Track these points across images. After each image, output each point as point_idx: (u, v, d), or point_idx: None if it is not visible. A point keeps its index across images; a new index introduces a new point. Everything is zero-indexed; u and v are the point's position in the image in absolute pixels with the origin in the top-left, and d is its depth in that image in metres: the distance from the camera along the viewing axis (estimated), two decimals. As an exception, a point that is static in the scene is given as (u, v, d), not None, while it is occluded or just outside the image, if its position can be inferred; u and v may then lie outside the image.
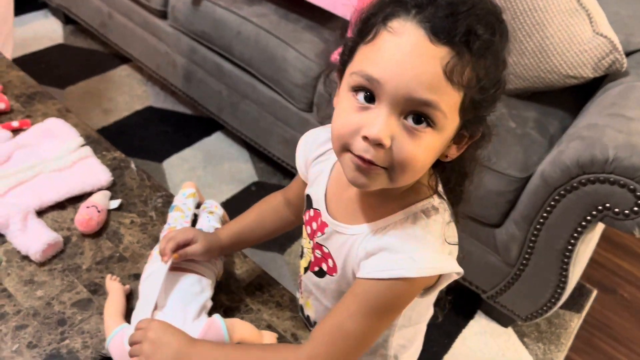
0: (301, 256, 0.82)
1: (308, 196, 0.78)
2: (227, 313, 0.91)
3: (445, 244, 0.65)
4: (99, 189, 1.07)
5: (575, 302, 1.76)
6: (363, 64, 0.58)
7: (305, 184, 0.82)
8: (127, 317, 0.86)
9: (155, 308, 0.82)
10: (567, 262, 1.35)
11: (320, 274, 0.76)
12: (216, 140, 2.16)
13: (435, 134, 0.58)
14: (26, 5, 2.61)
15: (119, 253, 0.98)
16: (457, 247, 0.68)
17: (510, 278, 1.48)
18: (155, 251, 0.89)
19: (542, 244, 1.37)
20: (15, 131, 1.16)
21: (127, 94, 2.31)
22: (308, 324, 0.88)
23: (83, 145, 1.14)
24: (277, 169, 2.06)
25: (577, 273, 1.44)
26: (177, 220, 0.98)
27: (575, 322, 1.72)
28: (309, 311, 0.85)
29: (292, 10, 1.81)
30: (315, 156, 0.78)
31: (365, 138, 0.57)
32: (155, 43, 2.13)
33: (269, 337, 0.87)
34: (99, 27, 2.37)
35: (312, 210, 0.76)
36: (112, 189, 1.09)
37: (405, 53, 0.55)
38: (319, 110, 1.65)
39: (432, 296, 0.73)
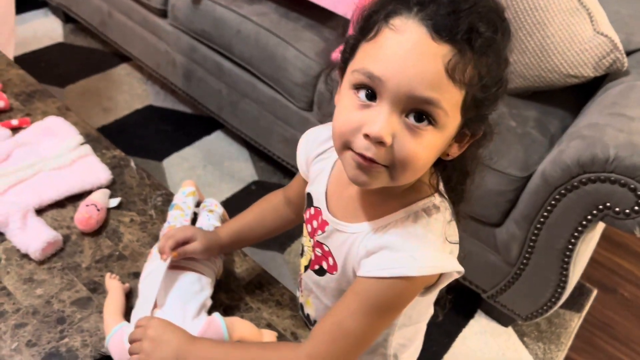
0: (301, 254, 0.82)
1: (309, 194, 0.78)
2: (226, 312, 0.90)
3: (446, 242, 0.65)
4: (99, 188, 1.07)
5: (575, 302, 1.76)
6: (365, 62, 0.58)
7: (305, 183, 0.82)
8: (127, 315, 0.86)
9: (155, 306, 0.82)
10: (567, 261, 1.35)
11: (321, 272, 0.76)
12: (216, 139, 2.16)
13: (436, 132, 0.57)
14: (26, 4, 2.60)
15: (119, 251, 0.98)
16: (458, 246, 0.68)
17: (511, 277, 1.48)
18: (155, 250, 0.89)
19: (542, 244, 1.36)
20: (15, 129, 1.16)
21: (127, 92, 2.30)
22: (308, 322, 0.87)
23: (83, 144, 1.14)
24: (277, 168, 2.06)
25: (577, 272, 1.43)
26: (176, 219, 0.98)
27: (576, 321, 1.72)
28: (309, 310, 0.85)
29: (292, 9, 1.81)
30: (316, 154, 0.78)
31: (366, 136, 0.57)
32: (155, 42, 2.12)
33: (269, 335, 0.87)
34: (99, 26, 2.37)
35: (312, 209, 0.76)
36: (112, 187, 1.09)
37: (407, 51, 0.55)
38: (320, 108, 1.65)
39: (433, 295, 0.73)
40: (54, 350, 0.82)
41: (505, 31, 0.58)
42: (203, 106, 2.10)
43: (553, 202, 1.29)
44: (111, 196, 1.06)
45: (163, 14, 2.03)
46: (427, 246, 0.63)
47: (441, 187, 0.68)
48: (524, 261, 1.42)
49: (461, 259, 0.67)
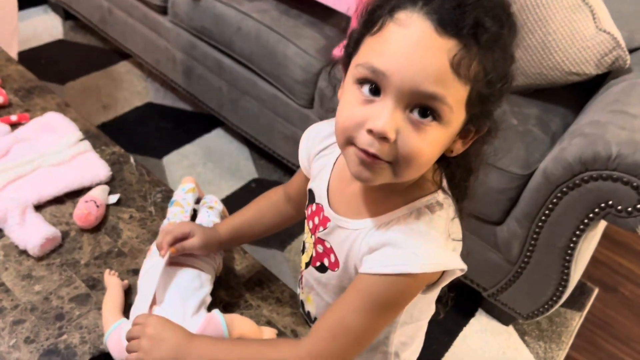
0: (303, 251, 0.81)
1: (310, 191, 0.77)
2: (226, 309, 0.90)
3: (449, 239, 0.64)
4: (98, 184, 1.06)
5: (576, 301, 1.75)
6: (368, 56, 0.57)
7: (306, 179, 0.81)
8: (126, 312, 0.85)
9: (154, 303, 0.82)
10: (569, 260, 1.34)
11: (322, 269, 0.75)
12: (216, 137, 2.15)
13: (440, 128, 0.57)
14: (26, 1, 2.60)
15: (118, 248, 0.97)
16: (461, 243, 0.67)
17: (512, 276, 1.47)
18: (154, 246, 0.88)
19: (543, 242, 1.36)
20: (14, 125, 1.15)
21: (126, 90, 2.30)
22: (308, 319, 0.87)
23: (82, 140, 1.13)
24: (278, 166, 2.05)
25: (578, 271, 1.43)
26: (176, 215, 0.98)
27: (577, 320, 1.71)
28: (310, 307, 0.84)
29: (292, 6, 1.81)
30: (318, 150, 0.77)
31: (370, 131, 0.56)
32: (155, 39, 2.12)
33: (269, 333, 0.86)
34: (99, 23, 2.36)
35: (314, 205, 0.76)
36: (111, 183, 1.08)
37: (411, 45, 0.54)
38: (322, 104, 1.64)
39: (435, 293, 0.72)
40: (52, 347, 0.81)
41: (512, 26, 0.58)
42: (203, 103, 2.09)
43: (555, 200, 1.28)
44: (110, 192, 1.06)
45: (163, 10, 2.02)
46: (430, 243, 0.62)
47: (444, 183, 0.67)
48: (525, 260, 1.41)
49: (464, 256, 0.67)
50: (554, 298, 1.44)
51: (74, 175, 1.05)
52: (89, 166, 1.07)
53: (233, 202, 1.81)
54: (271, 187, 0.93)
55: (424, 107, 0.55)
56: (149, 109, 2.23)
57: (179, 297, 0.82)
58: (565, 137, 1.34)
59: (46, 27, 2.56)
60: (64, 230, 0.98)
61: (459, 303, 1.67)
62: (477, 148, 0.64)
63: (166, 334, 0.70)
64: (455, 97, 0.55)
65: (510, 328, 1.66)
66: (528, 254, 1.40)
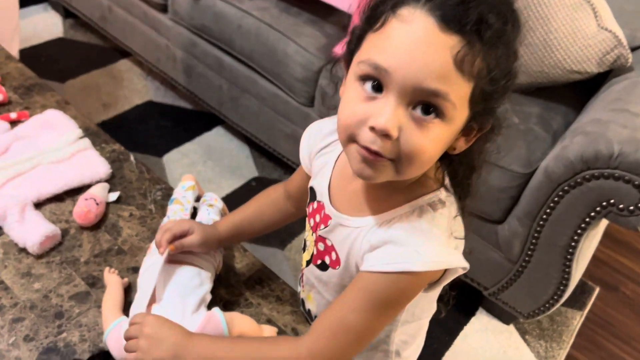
0: (304, 249, 0.81)
1: (312, 188, 0.77)
2: (226, 307, 0.89)
3: (451, 238, 0.64)
4: (98, 182, 1.06)
5: (577, 300, 1.75)
6: (371, 53, 0.57)
7: (307, 176, 0.81)
8: (126, 310, 0.85)
9: (154, 301, 0.81)
10: (570, 258, 1.34)
11: (323, 267, 0.75)
12: (216, 135, 2.15)
13: (443, 125, 0.56)
14: (26, -1, 2.60)
15: (118, 246, 0.97)
16: (463, 241, 0.67)
17: (513, 275, 1.47)
18: (154, 244, 0.88)
19: (545, 241, 1.35)
20: (14, 123, 1.15)
21: (127, 88, 2.29)
22: (309, 317, 0.86)
23: (82, 137, 1.12)
24: (278, 164, 2.05)
25: (580, 270, 1.42)
26: (176, 213, 0.97)
27: (577, 319, 1.71)
28: (311, 305, 0.84)
29: (293, 4, 1.80)
30: (320, 148, 0.77)
31: (372, 129, 0.55)
32: (156, 37, 2.11)
33: (269, 331, 0.86)
34: (99, 21, 2.36)
35: (315, 203, 0.75)
36: (111, 181, 1.08)
37: (414, 42, 0.53)
38: (323, 101, 1.64)
39: (436, 291, 0.72)
40: (51, 345, 0.81)
41: (515, 22, 0.57)
42: (203, 102, 2.09)
43: (556, 199, 1.28)
44: (110, 190, 1.05)
45: (163, 8, 2.02)
46: (432, 241, 0.62)
47: (447, 181, 0.66)
48: (526, 258, 1.41)
49: (466, 254, 0.66)
50: (555, 297, 1.43)
51: (73, 172, 1.04)
52: (88, 164, 1.07)
53: (233, 201, 1.81)
54: (271, 185, 0.93)
55: (426, 104, 0.55)
56: (149, 107, 2.22)
57: (178, 295, 0.82)
58: (566, 135, 1.33)
59: (46, 25, 2.55)
60: (63, 228, 0.98)
61: (459, 302, 1.67)
62: (480, 146, 0.64)
63: (164, 333, 0.69)
64: (458, 94, 0.55)
65: (511, 327, 1.65)
66: (529, 252, 1.40)
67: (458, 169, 0.66)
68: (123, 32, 2.27)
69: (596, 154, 1.18)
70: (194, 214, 1.00)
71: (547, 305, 1.46)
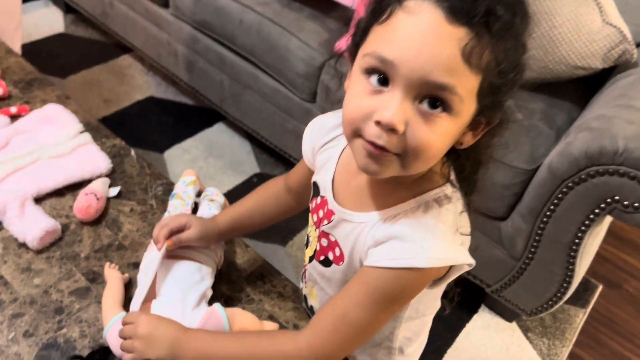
0: (306, 245, 0.80)
1: (315, 183, 0.76)
2: (227, 303, 0.89)
3: (457, 234, 0.63)
4: (99, 176, 1.05)
5: (580, 297, 1.74)
6: (377, 45, 0.55)
7: (308, 170, 0.80)
8: (126, 306, 0.84)
9: (154, 297, 0.81)
10: (573, 255, 1.33)
11: (326, 263, 0.74)
12: (218, 131, 2.14)
13: (451, 119, 0.55)
14: (27, -6, 2.59)
15: (118, 241, 0.96)
16: (469, 237, 0.66)
17: (515, 272, 1.46)
18: (154, 239, 0.87)
19: (548, 238, 1.34)
20: (14, 117, 1.14)
21: (128, 84, 2.28)
22: (311, 314, 0.86)
23: (82, 132, 1.12)
24: (279, 160, 2.04)
25: (583, 267, 1.42)
26: (177, 209, 0.96)
27: (580, 317, 1.70)
28: (313, 301, 0.83)
29: (295, -1, 1.79)
30: (323, 143, 0.76)
31: (377, 123, 0.54)
32: (157, 32, 2.10)
33: (270, 327, 0.85)
34: (100, 16, 2.35)
35: (319, 198, 0.74)
36: (112, 176, 1.07)
37: (421, 34, 0.52)
38: (327, 96, 1.62)
39: (441, 288, 0.71)
40: (51, 341, 0.80)
41: (524, 14, 0.56)
42: (205, 97, 2.08)
43: (560, 196, 1.27)
44: (111, 185, 1.05)
45: (164, 4, 2.01)
46: (437, 237, 0.61)
47: (453, 177, 0.65)
48: (529, 255, 1.40)
49: (472, 250, 0.65)
50: (558, 294, 1.42)
51: (74, 167, 1.04)
52: (89, 158, 1.06)
53: (234, 197, 1.79)
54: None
55: (433, 97, 0.54)
56: (151, 103, 2.21)
57: (179, 290, 0.81)
58: (570, 131, 1.32)
59: (47, 20, 2.55)
60: (64, 223, 0.97)
61: (462, 299, 1.66)
62: (488, 140, 0.63)
63: (159, 332, 0.69)
64: (465, 87, 0.54)
65: (514, 324, 1.64)
66: (532, 249, 1.39)
67: (465, 163, 0.65)
68: (124, 27, 2.26)
69: (601, 150, 1.16)
70: (195, 209, 0.99)
71: (550, 302, 1.45)
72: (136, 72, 2.35)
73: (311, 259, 0.78)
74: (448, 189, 0.64)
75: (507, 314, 1.65)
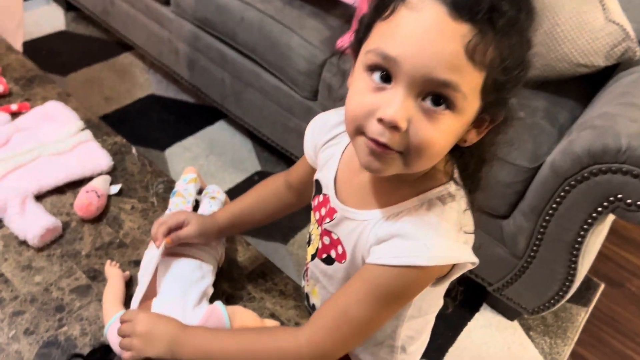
0: (308, 243, 0.80)
1: (317, 181, 0.75)
2: (229, 301, 0.88)
3: (460, 232, 0.62)
4: (99, 174, 1.04)
5: (582, 296, 1.74)
6: (379, 42, 0.55)
7: (310, 168, 0.80)
8: (127, 304, 0.84)
9: (153, 295, 0.80)
10: (576, 254, 1.32)
11: (329, 261, 0.73)
12: (219, 129, 2.14)
13: (454, 116, 0.54)
14: (28, -8, 2.58)
15: (119, 239, 0.96)
16: (473, 236, 0.65)
17: (517, 270, 1.45)
18: (154, 237, 0.87)
19: (550, 236, 1.34)
20: (15, 115, 1.13)
21: (129, 81, 2.28)
22: (313, 312, 0.85)
23: (83, 129, 1.11)
24: (281, 159, 2.04)
25: (586, 266, 1.41)
26: (178, 206, 0.96)
27: (582, 315, 1.70)
28: (315, 300, 0.82)
29: (297, -3, 1.78)
30: (325, 140, 0.76)
31: (380, 120, 0.54)
32: (158, 30, 2.10)
33: (272, 325, 0.85)
34: (101, 14, 2.34)
35: (321, 196, 0.74)
36: (113, 174, 1.06)
37: (424, 30, 0.52)
38: (329, 93, 1.62)
39: (444, 286, 0.70)
40: (52, 339, 0.80)
41: (530, 10, 0.55)
42: (206, 95, 2.07)
43: (562, 194, 1.26)
44: (112, 183, 1.04)
45: (166, 1, 2.00)
46: (440, 235, 0.60)
47: (456, 174, 0.65)
48: (532, 254, 1.40)
49: (474, 249, 0.65)
50: (560, 293, 1.42)
51: (75, 164, 1.03)
52: (90, 156, 1.06)
53: (236, 195, 1.78)
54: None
55: (436, 95, 0.53)
56: (152, 101, 2.21)
57: (179, 288, 0.81)
58: (573, 129, 1.32)
59: (48, 18, 2.54)
60: (64, 220, 0.96)
61: (463, 298, 1.65)
62: (492, 138, 0.62)
63: (157, 330, 0.68)
64: (469, 84, 0.53)
65: (515, 323, 1.64)
66: (534, 248, 1.38)
67: (469, 161, 0.64)
68: (125, 25, 2.25)
69: (603, 148, 1.16)
70: (196, 207, 0.99)
71: (552, 301, 1.45)
72: (137, 70, 2.35)
73: (313, 257, 0.77)
74: (451, 187, 0.64)
75: (509, 313, 1.64)
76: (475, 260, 0.63)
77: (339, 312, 0.64)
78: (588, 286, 1.78)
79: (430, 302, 0.75)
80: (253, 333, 0.72)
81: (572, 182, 1.23)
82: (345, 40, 1.54)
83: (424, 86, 0.53)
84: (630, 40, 1.38)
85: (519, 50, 0.55)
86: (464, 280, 0.69)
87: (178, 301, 0.79)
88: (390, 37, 0.54)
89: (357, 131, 0.57)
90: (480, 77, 0.54)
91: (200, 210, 0.96)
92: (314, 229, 0.77)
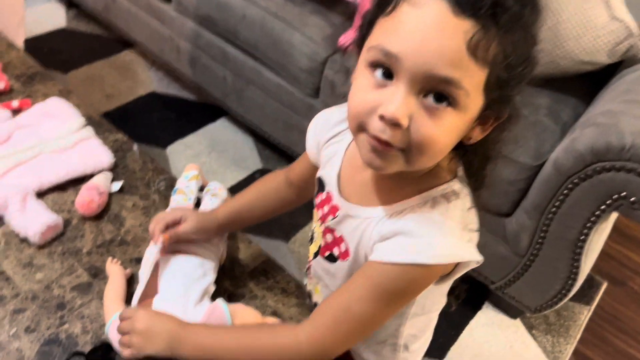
0: (311, 241, 0.79)
1: (320, 179, 0.75)
2: (230, 299, 0.88)
3: (465, 230, 0.62)
4: (101, 171, 1.04)
5: (584, 294, 1.73)
6: (381, 38, 0.55)
7: (311, 165, 0.80)
8: (128, 301, 0.83)
9: (153, 292, 0.80)
10: (579, 252, 1.32)
11: (331, 259, 0.73)
12: (221, 127, 2.13)
13: (456, 114, 0.54)
14: (29, -11, 2.57)
15: (121, 236, 0.95)
16: (477, 234, 0.64)
17: (520, 269, 1.45)
18: (155, 234, 0.87)
19: (553, 234, 1.33)
20: (16, 111, 1.13)
21: (130, 79, 2.27)
22: (315, 310, 0.85)
23: (84, 126, 1.11)
24: (282, 156, 2.03)
25: (589, 264, 1.40)
26: (179, 204, 0.96)
27: (585, 314, 1.69)
28: (318, 298, 0.82)
29: (298, -6, 1.78)
30: (328, 137, 0.75)
31: (381, 117, 0.53)
32: (159, 27, 2.09)
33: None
34: (102, 11, 2.34)
35: (324, 193, 0.73)
36: (114, 171, 1.06)
37: (425, 26, 0.51)
38: (333, 90, 1.61)
39: (448, 284, 0.70)
40: (53, 337, 0.80)
41: (534, 5, 0.55)
42: (207, 93, 2.07)
43: (565, 192, 1.26)
44: (113, 180, 1.04)
45: (167, -2, 2.00)
46: (444, 233, 0.60)
47: (460, 172, 0.64)
48: (534, 252, 1.39)
49: (479, 247, 0.64)
50: (563, 292, 1.41)
51: (76, 161, 1.03)
52: (91, 153, 1.06)
53: (237, 192, 1.79)
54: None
55: (438, 92, 0.53)
56: (153, 99, 2.20)
57: (181, 286, 0.80)
58: (576, 127, 1.31)
59: (49, 15, 2.53)
60: (65, 218, 0.96)
61: (466, 296, 1.65)
62: (497, 135, 0.61)
63: (156, 328, 0.68)
64: (471, 81, 0.53)
65: (518, 321, 1.63)
66: (537, 246, 1.38)
67: (473, 159, 0.64)
68: (127, 22, 2.25)
69: (607, 146, 1.15)
70: (198, 204, 0.98)
71: (554, 299, 1.44)
72: (138, 67, 2.34)
73: (316, 254, 0.77)
74: (456, 185, 0.63)
75: (511, 311, 1.64)
76: (480, 258, 0.62)
77: (341, 309, 0.63)
78: (590, 284, 1.77)
79: (434, 300, 0.75)
80: (253, 329, 0.72)
81: (576, 180, 1.23)
82: (347, 38, 1.54)
83: (426, 83, 0.52)
84: (633, 38, 1.37)
85: (523, 47, 0.54)
86: (466, 278, 0.69)
87: (179, 299, 0.78)
88: (392, 34, 0.53)
89: (359, 128, 0.57)
90: (483, 73, 0.53)
91: (202, 208, 0.95)
92: (316, 227, 0.76)
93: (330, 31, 1.67)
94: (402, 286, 0.62)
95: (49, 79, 1.24)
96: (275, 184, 0.88)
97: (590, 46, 1.40)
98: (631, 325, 1.70)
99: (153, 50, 2.20)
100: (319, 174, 0.76)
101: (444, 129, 0.54)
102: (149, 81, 2.28)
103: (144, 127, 2.05)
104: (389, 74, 0.54)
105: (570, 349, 1.59)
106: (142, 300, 0.80)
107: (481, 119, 0.58)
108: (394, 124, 0.53)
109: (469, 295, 1.65)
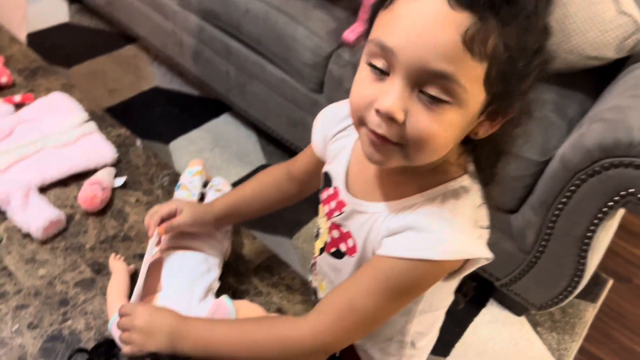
0: (316, 237, 0.78)
1: (326, 174, 0.74)
2: (235, 296, 0.87)
3: (475, 227, 0.60)
4: (104, 166, 1.03)
5: (590, 292, 1.72)
6: (378, 32, 0.54)
7: (314, 159, 0.79)
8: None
9: (154, 288, 0.79)
10: (585, 249, 1.31)
11: (338, 255, 0.72)
12: (224, 122, 2.12)
13: (455, 109, 0.52)
14: (31, -16, 2.56)
15: (124, 232, 0.95)
16: (488, 230, 0.63)
17: (525, 265, 1.44)
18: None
19: (559, 231, 1.32)
20: (18, 106, 1.12)
21: (133, 74, 2.27)
22: (320, 306, 0.84)
23: (87, 121, 1.10)
24: (286, 152, 2.02)
25: (595, 261, 1.39)
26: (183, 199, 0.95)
27: (590, 311, 1.68)
28: (323, 294, 0.81)
29: (302, -12, 1.76)
30: (336, 132, 0.74)
31: (377, 111, 0.53)
32: (162, 22, 2.08)
33: (277, 319, 0.83)
34: (105, 6, 2.33)
35: (331, 189, 0.72)
36: (117, 166, 1.06)
37: (421, 20, 0.50)
38: (339, 85, 1.60)
39: (456, 281, 0.69)
40: (56, 333, 0.79)
41: None
42: (211, 88, 2.06)
43: (572, 188, 1.25)
44: (116, 175, 1.03)
45: (170, -7, 1.99)
46: (454, 229, 0.59)
47: (471, 168, 0.63)
48: (540, 249, 1.38)
49: (488, 244, 0.63)
50: (569, 289, 1.40)
51: (79, 156, 1.02)
52: (94, 148, 1.05)
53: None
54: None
55: (435, 86, 0.51)
56: (156, 94, 2.19)
57: (185, 282, 0.79)
58: (583, 122, 1.30)
59: (52, 10, 2.52)
60: (68, 213, 0.96)
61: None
62: (508, 130, 0.60)
63: (156, 324, 0.67)
64: (468, 75, 0.51)
65: (523, 319, 1.63)
66: (543, 243, 1.37)
67: (482, 155, 0.63)
68: (129, 17, 2.24)
69: (615, 142, 1.14)
70: (202, 200, 0.98)
71: (560, 297, 1.43)
72: (141, 62, 2.33)
73: (321, 251, 0.76)
74: (465, 181, 0.62)
75: (516, 308, 1.63)
76: (490, 255, 0.61)
77: (345, 302, 0.63)
78: (596, 282, 1.76)
79: (441, 297, 0.74)
80: (254, 323, 0.71)
81: (583, 176, 1.22)
82: (351, 32, 1.52)
83: (421, 77, 0.51)
84: (642, 32, 1.36)
85: (527, 39, 0.52)
86: (472, 275, 0.68)
87: (183, 295, 0.77)
88: (389, 27, 0.53)
89: (360, 122, 0.57)
90: (482, 67, 0.52)
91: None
92: (322, 223, 0.75)
93: (334, 25, 1.65)
94: (410, 282, 0.61)
95: (52, 74, 1.23)
96: (275, 178, 0.87)
97: (597, 41, 1.38)
98: (637, 322, 1.69)
99: (156, 44, 2.19)
100: (325, 168, 0.75)
101: (442, 125, 0.53)
102: (152, 76, 2.27)
103: (146, 122, 2.05)
104: (387, 68, 0.53)
105: (575, 347, 1.58)
106: (143, 297, 0.79)
107: (489, 114, 0.57)
108: (390, 119, 0.52)
109: (474, 292, 1.64)
